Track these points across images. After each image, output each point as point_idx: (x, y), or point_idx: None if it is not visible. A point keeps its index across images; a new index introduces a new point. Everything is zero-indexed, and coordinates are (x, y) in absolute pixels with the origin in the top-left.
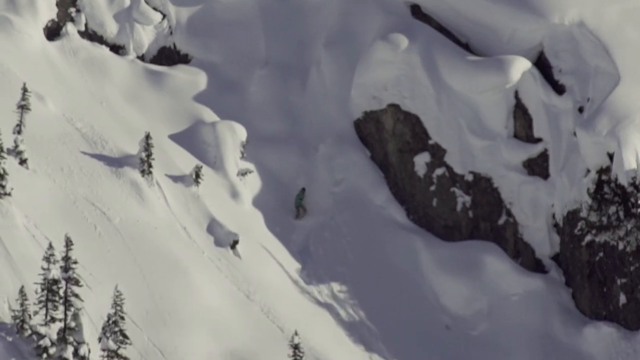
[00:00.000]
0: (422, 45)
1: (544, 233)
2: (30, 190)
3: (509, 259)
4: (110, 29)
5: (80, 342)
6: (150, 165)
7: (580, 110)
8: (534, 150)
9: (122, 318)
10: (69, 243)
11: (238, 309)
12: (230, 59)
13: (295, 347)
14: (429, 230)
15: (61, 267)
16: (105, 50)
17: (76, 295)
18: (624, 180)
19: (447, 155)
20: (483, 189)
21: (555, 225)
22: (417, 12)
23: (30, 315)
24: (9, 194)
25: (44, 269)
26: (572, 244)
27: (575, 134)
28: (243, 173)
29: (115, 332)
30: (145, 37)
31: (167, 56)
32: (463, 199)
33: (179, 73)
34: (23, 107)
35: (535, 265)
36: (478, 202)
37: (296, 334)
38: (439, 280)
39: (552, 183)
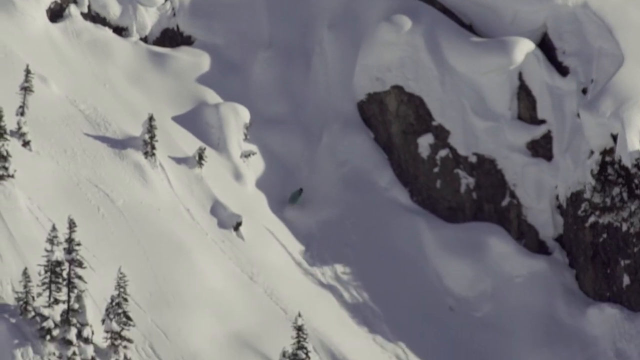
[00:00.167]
0: (425, 26)
1: (548, 214)
2: (34, 172)
3: (512, 240)
4: (113, 10)
5: (83, 324)
6: (153, 147)
7: (584, 91)
8: (538, 131)
9: (126, 300)
10: (72, 225)
11: (241, 290)
12: (233, 41)
13: (299, 328)
14: (432, 211)
15: (64, 249)
16: (108, 32)
17: (79, 277)
18: (627, 162)
19: (451, 136)
20: (487, 170)
21: (559, 206)
22: None
23: (33, 297)
24: (12, 176)
25: (47, 250)
26: (575, 225)
27: (579, 115)
28: (246, 155)
29: (118, 314)
30: (148, 18)
31: (170, 38)
32: (467, 180)
33: (182, 55)
34: (26, 89)
35: (538, 247)
36: (482, 183)
37: (300, 315)
38: (443, 262)
39: (556, 164)
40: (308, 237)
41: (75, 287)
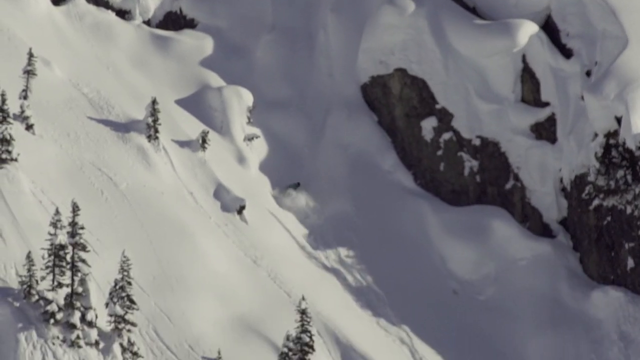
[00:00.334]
0: (429, 9)
1: (552, 197)
2: (37, 156)
3: (516, 223)
4: None
5: (87, 308)
6: (156, 131)
7: (588, 74)
8: (542, 114)
9: (129, 283)
10: (75, 208)
11: (245, 274)
12: (236, 24)
13: (303, 312)
14: (436, 194)
15: (68, 232)
16: (111, 15)
17: (83, 261)
18: (631, 144)
19: (454, 119)
20: (490, 153)
21: (563, 189)
22: None
23: (37, 281)
24: (16, 160)
25: (50, 234)
26: (579, 208)
27: (582, 97)
28: (249, 138)
29: (122, 298)
30: (151, 1)
31: (173, 21)
32: (470, 163)
33: (185, 38)
34: (29, 73)
35: (542, 230)
36: (485, 166)
37: (303, 299)
38: (447, 245)
39: (560, 147)
40: (311, 221)
41: (79, 271)
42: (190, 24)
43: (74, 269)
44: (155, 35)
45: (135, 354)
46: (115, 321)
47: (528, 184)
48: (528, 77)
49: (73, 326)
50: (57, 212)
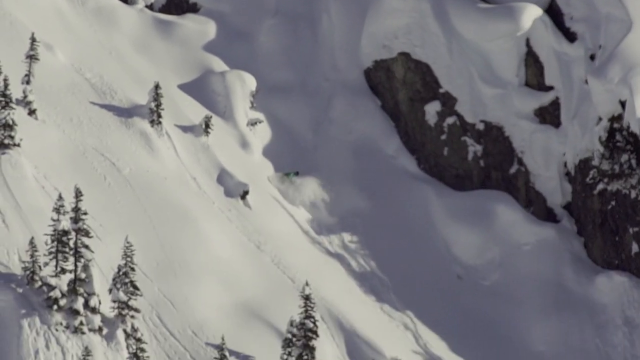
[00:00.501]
0: None
1: (556, 182)
2: (40, 141)
3: (520, 208)
4: None
5: (90, 294)
6: (159, 116)
7: (592, 57)
8: (546, 98)
9: (133, 269)
10: (78, 194)
11: (248, 259)
12: (239, 8)
13: (306, 297)
14: (440, 179)
15: (71, 218)
16: None
17: (86, 247)
18: (636, 128)
19: (458, 104)
20: (494, 137)
21: (567, 174)
22: None
23: (40, 267)
24: (18, 145)
25: (53, 220)
26: (584, 192)
27: (586, 81)
28: (253, 123)
29: (125, 283)
30: None
31: (176, 5)
32: (474, 148)
33: (188, 22)
34: (32, 57)
35: (546, 215)
36: (489, 151)
37: (307, 284)
38: (451, 230)
39: (564, 131)
40: (315, 206)
41: (82, 257)
42: (193, 9)
43: (77, 255)
44: (158, 19)
45: (138, 339)
46: (118, 307)
47: (532, 168)
48: (532, 61)
49: (76, 312)
50: (60, 198)
